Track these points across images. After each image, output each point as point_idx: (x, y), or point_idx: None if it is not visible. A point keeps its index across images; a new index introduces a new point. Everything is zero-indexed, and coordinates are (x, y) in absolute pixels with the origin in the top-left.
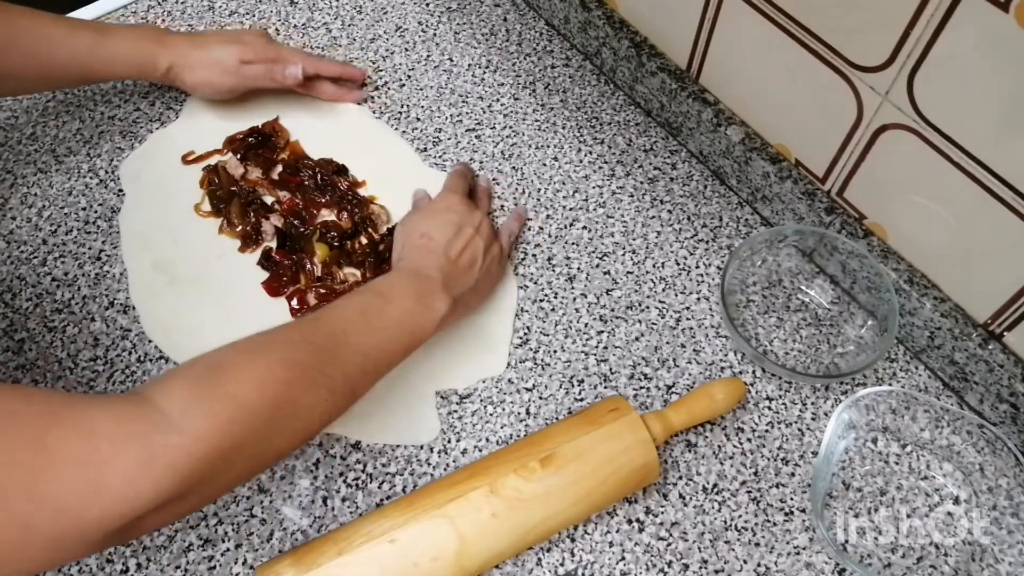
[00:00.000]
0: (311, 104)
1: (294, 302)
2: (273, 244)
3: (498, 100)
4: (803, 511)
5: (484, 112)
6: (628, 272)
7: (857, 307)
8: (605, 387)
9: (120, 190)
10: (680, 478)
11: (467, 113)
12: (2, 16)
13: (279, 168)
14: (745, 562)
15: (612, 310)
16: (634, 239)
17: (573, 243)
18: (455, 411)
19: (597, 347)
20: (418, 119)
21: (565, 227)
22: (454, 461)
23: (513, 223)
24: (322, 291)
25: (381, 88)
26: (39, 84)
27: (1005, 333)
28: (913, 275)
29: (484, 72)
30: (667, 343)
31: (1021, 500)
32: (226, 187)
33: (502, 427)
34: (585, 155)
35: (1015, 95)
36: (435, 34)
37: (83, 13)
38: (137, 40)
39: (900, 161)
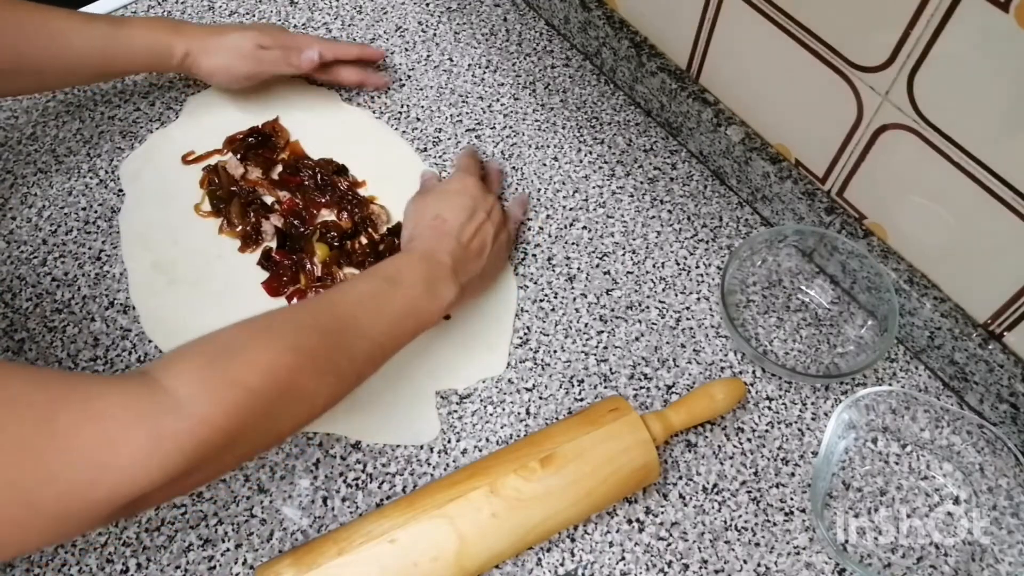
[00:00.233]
0: (311, 104)
1: (294, 302)
2: (273, 244)
3: (498, 100)
4: (803, 511)
5: (484, 112)
6: (628, 272)
7: (857, 307)
8: (605, 387)
9: (120, 190)
10: (680, 478)
11: (467, 113)
12: (14, 12)
13: (279, 168)
14: (745, 562)
15: (612, 310)
16: (634, 239)
17: (573, 243)
18: (455, 411)
19: (597, 347)
20: (418, 119)
21: (565, 227)
22: (454, 461)
23: (516, 210)
24: (322, 291)
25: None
26: (58, 79)
27: (1005, 333)
28: (913, 275)
29: (484, 72)
30: (667, 343)
31: (1021, 500)
32: (226, 187)
33: (502, 427)
34: (585, 155)
35: (1015, 95)
36: (435, 34)
37: None
38: (153, 29)
39: (900, 161)
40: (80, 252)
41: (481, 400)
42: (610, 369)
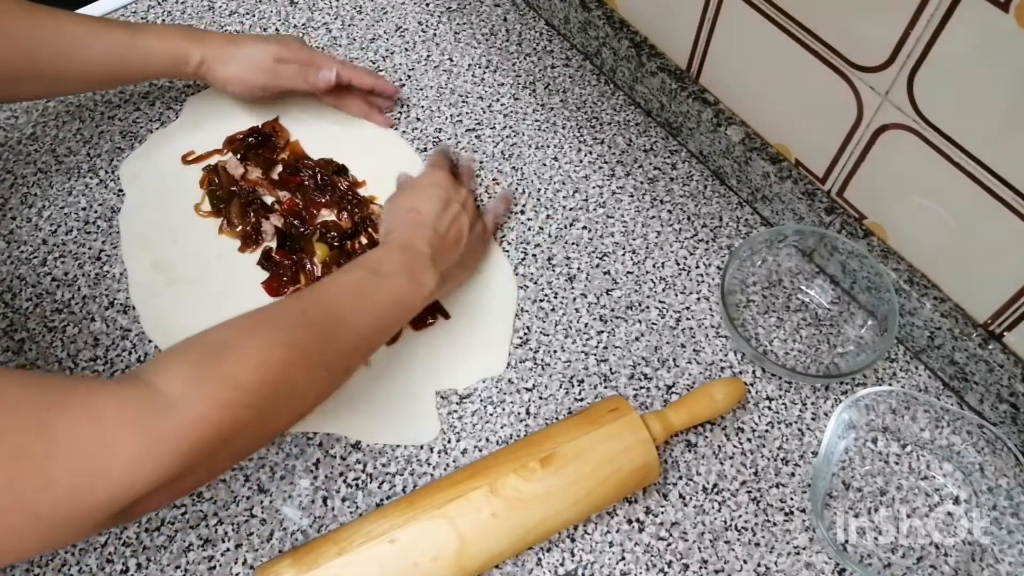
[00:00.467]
0: (311, 104)
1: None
2: (273, 244)
3: (498, 100)
4: (803, 511)
5: (484, 112)
6: (628, 272)
7: (857, 307)
8: (605, 387)
9: (120, 190)
10: (680, 478)
11: (467, 113)
12: (31, 18)
13: (279, 168)
14: (745, 562)
15: (612, 310)
16: (634, 239)
17: (573, 243)
18: (455, 411)
19: (597, 347)
20: (418, 119)
21: (565, 227)
22: (454, 461)
23: (500, 205)
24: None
25: None
26: (74, 84)
27: (1005, 333)
28: (913, 275)
29: (484, 72)
30: (667, 343)
31: (1021, 500)
32: (226, 187)
33: (502, 427)
34: (585, 155)
35: (1015, 95)
36: (435, 34)
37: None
38: (170, 36)
39: (900, 161)
40: (80, 252)
41: (481, 400)
42: (610, 369)
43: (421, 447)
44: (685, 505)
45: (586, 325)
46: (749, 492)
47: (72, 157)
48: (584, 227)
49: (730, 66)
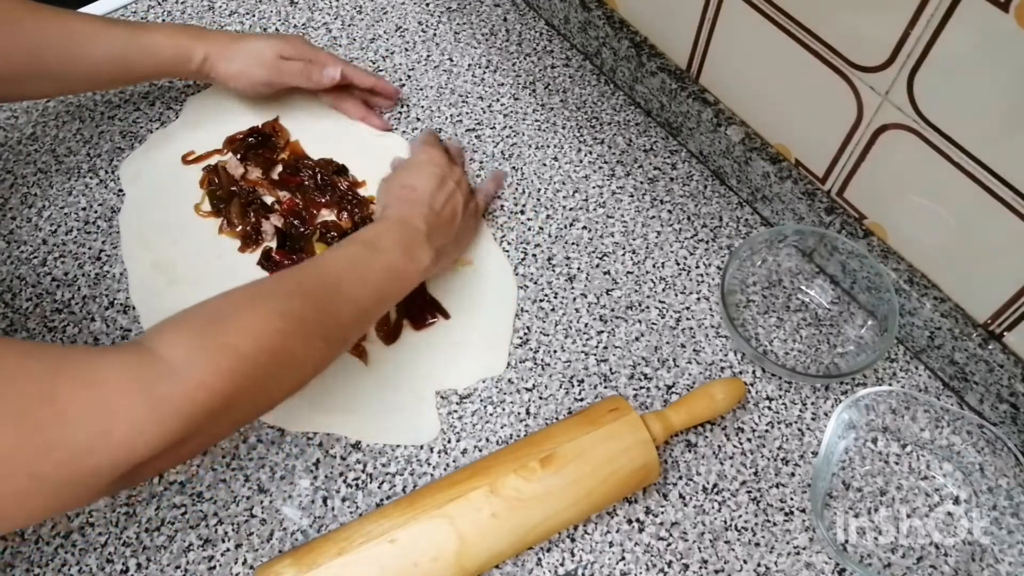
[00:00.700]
0: (311, 104)
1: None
2: (273, 244)
3: (498, 100)
4: (803, 511)
5: (484, 112)
6: (628, 272)
7: (857, 307)
8: (605, 387)
9: (120, 190)
10: (680, 478)
11: (467, 113)
12: (35, 17)
13: (279, 168)
14: (745, 562)
15: (612, 310)
16: (634, 239)
17: (573, 243)
18: (455, 411)
19: (597, 347)
20: (418, 119)
21: (565, 227)
22: (454, 461)
23: (490, 185)
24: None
25: None
26: (78, 84)
27: (1005, 333)
28: (913, 275)
29: (484, 72)
30: (667, 343)
31: (1021, 500)
32: (226, 187)
33: (502, 427)
34: (585, 155)
35: (1015, 95)
36: (435, 34)
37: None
38: (174, 35)
39: (900, 161)
40: (80, 252)
41: (481, 400)
42: (610, 369)
43: (421, 447)
44: (685, 505)
45: (586, 325)
46: (749, 492)
47: (72, 157)
48: (584, 227)
49: (730, 66)
